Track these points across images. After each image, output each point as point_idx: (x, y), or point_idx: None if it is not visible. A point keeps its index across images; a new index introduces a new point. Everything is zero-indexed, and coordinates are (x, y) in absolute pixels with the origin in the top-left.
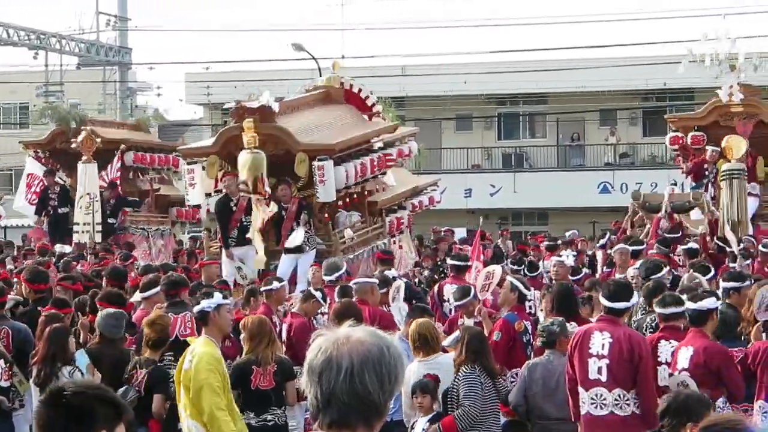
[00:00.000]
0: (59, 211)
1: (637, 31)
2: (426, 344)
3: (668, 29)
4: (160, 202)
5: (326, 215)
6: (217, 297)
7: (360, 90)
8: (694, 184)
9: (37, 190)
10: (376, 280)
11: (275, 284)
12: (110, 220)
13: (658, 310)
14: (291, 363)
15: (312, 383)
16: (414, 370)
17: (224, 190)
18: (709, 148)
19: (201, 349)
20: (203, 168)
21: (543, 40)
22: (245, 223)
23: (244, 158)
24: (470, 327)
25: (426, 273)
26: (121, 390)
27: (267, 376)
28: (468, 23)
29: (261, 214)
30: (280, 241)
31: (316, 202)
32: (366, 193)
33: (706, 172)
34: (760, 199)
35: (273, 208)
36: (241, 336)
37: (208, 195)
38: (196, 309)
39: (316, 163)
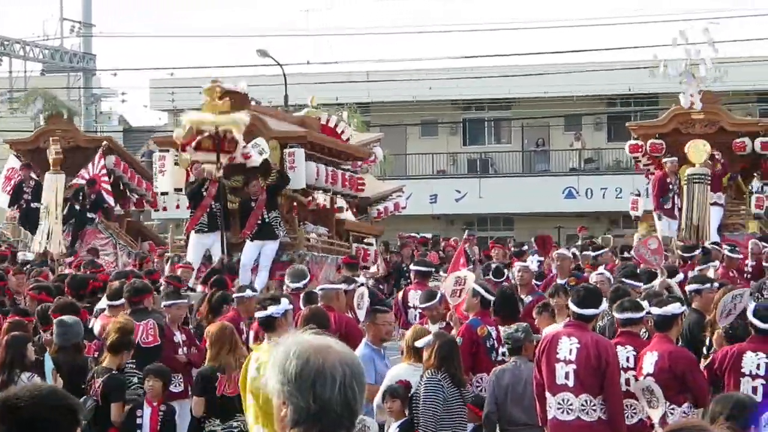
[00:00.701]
0: (32, 205)
1: (602, 37)
2: (419, 351)
3: (633, 35)
4: (131, 227)
5: (294, 205)
6: (284, 303)
7: (336, 125)
8: (661, 199)
9: (15, 183)
10: (342, 286)
11: (248, 292)
12: (89, 215)
13: (616, 315)
14: None
15: (298, 391)
16: (401, 373)
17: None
18: (667, 160)
19: (267, 356)
20: (175, 160)
21: (508, 46)
22: (214, 209)
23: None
24: (442, 333)
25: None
26: (81, 400)
27: (232, 383)
28: (433, 29)
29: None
30: (247, 229)
31: (284, 198)
32: (335, 208)
33: (670, 185)
34: (724, 209)
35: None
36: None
37: (179, 190)
38: (261, 314)
39: (287, 150)
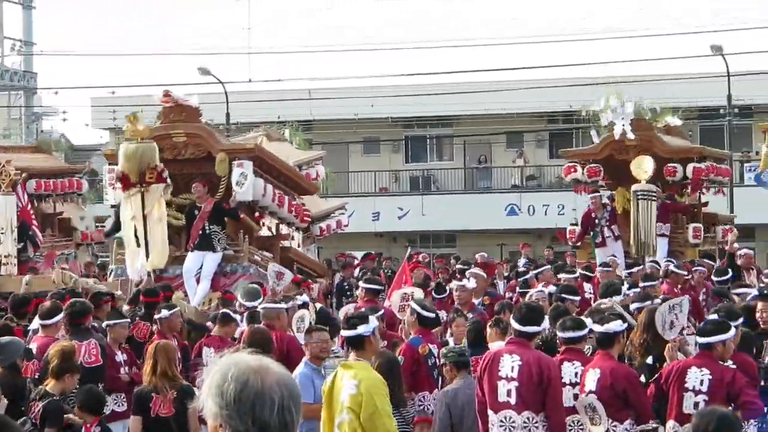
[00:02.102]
0: None
1: (543, 54)
2: None
3: (574, 52)
4: (63, 225)
5: (241, 218)
6: (373, 321)
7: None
8: (591, 234)
9: None
10: (284, 305)
11: (164, 312)
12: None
13: (559, 333)
14: (192, 389)
15: (237, 414)
16: None
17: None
18: (592, 196)
19: (365, 373)
20: None
21: (449, 63)
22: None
23: (126, 148)
24: (383, 353)
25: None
26: (20, 420)
27: (167, 403)
28: (374, 46)
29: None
30: (190, 241)
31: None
32: (280, 235)
33: (596, 220)
34: (669, 239)
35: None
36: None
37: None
38: (350, 333)
39: (236, 162)
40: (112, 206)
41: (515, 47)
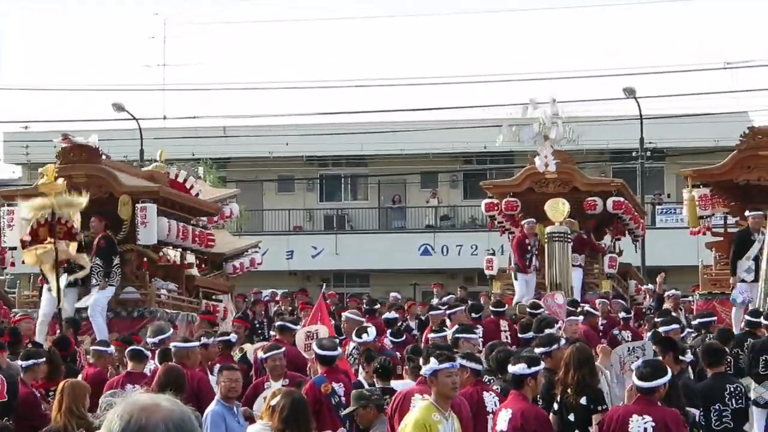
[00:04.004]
0: None
1: (458, 95)
2: None
3: (488, 93)
4: None
5: (144, 262)
6: (433, 362)
7: (185, 180)
8: (517, 262)
9: None
10: (196, 344)
11: (109, 348)
12: None
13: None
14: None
15: None
16: None
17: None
18: (525, 222)
19: (412, 414)
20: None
21: (365, 103)
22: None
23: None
24: (289, 392)
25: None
26: None
27: None
28: (289, 85)
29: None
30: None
31: (135, 254)
32: (185, 264)
33: (529, 246)
34: (583, 269)
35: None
36: None
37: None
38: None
39: (139, 205)
40: (11, 248)
41: (430, 88)
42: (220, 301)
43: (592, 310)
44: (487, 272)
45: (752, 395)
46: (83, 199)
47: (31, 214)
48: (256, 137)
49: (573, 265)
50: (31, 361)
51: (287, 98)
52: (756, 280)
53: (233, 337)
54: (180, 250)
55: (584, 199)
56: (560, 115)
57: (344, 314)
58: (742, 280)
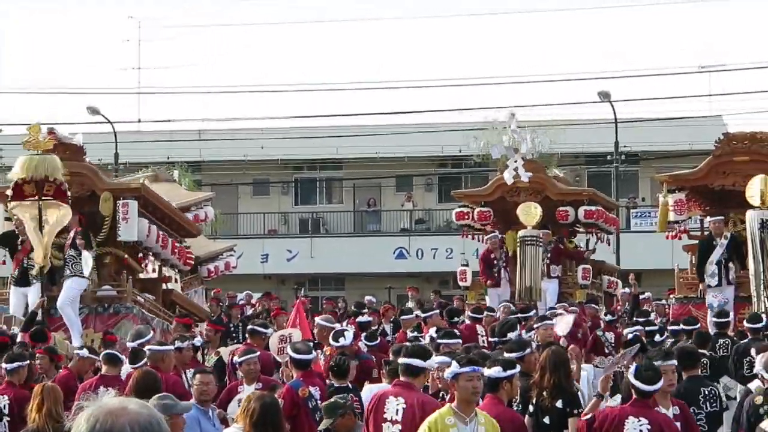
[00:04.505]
0: None
1: (433, 98)
2: None
3: (463, 97)
4: None
5: (125, 259)
6: (455, 366)
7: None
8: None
9: None
10: (171, 347)
11: (83, 351)
12: None
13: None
14: None
15: None
16: None
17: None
18: (488, 237)
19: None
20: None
21: (340, 106)
22: (26, 266)
23: (24, 159)
24: (260, 396)
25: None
26: None
27: None
28: (265, 88)
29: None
30: None
31: (115, 257)
32: (163, 277)
33: (495, 260)
34: (560, 280)
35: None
36: None
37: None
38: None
39: (120, 201)
40: None
41: (406, 91)
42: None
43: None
44: (461, 283)
45: (738, 396)
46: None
47: (18, 171)
48: (232, 140)
49: (550, 276)
50: (15, 364)
51: (262, 101)
52: (720, 284)
53: (198, 341)
54: (159, 262)
55: (556, 207)
56: (520, 128)
57: (316, 319)
58: (708, 285)
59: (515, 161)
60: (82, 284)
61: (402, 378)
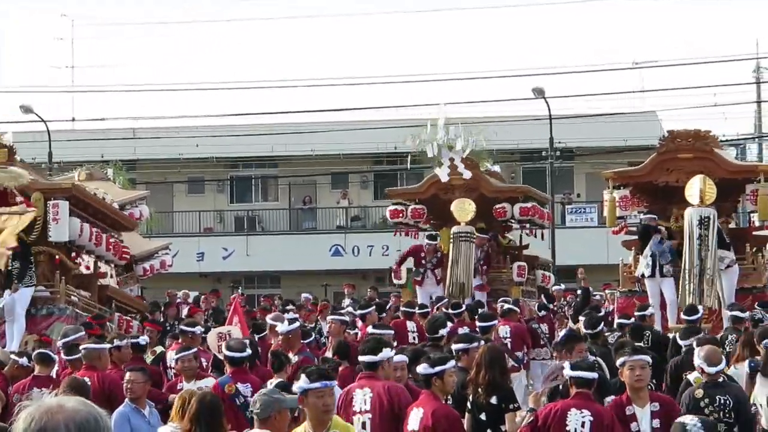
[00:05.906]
0: None
1: (368, 95)
2: None
3: (398, 93)
4: None
5: (57, 258)
6: (304, 381)
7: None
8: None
9: None
10: (107, 346)
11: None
12: None
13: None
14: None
15: None
16: None
17: None
18: (425, 243)
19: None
20: None
21: (274, 103)
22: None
23: None
24: (204, 393)
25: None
26: None
27: None
28: (199, 86)
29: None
30: None
31: (47, 255)
32: (98, 272)
33: (424, 260)
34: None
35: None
36: None
37: None
38: None
39: (51, 202)
40: None
41: (341, 88)
42: (135, 318)
43: (513, 307)
44: (396, 281)
45: None
46: (26, 173)
47: None
48: (166, 139)
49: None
50: None
51: (196, 99)
52: (653, 275)
53: (142, 339)
54: (94, 257)
55: (491, 206)
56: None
57: (329, 317)
58: (642, 275)
59: (451, 159)
60: (30, 293)
61: (365, 371)
